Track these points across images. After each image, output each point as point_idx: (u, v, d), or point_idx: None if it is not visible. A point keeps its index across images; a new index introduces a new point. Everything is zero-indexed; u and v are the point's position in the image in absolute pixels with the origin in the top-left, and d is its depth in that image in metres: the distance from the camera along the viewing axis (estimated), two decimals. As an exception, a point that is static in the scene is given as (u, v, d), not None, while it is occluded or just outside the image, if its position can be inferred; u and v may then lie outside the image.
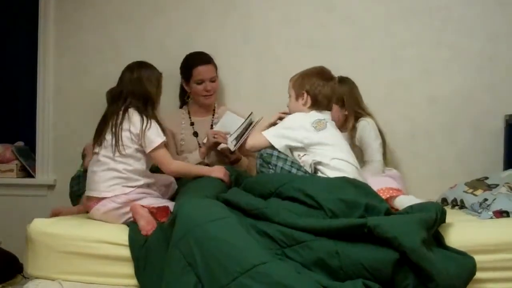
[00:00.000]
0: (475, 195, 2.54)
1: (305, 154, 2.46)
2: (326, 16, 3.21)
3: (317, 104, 2.56)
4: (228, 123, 2.91)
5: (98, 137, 2.47)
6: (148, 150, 2.44)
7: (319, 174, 2.43)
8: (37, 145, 3.43)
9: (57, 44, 3.41)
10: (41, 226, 2.32)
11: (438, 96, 3.13)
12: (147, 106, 2.49)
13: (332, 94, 2.59)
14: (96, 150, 2.47)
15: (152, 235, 2.23)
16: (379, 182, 2.61)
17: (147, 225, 2.26)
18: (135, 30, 3.34)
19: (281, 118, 2.63)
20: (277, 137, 2.50)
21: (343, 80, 2.85)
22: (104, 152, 2.44)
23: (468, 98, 3.10)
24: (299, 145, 2.48)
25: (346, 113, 2.89)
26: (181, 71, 3.09)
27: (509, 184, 2.53)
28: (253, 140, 2.60)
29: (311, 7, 3.22)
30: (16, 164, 3.46)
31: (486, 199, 2.43)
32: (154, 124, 2.46)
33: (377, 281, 1.93)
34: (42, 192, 3.43)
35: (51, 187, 3.43)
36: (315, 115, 2.53)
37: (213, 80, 3.04)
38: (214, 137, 2.83)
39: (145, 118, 2.44)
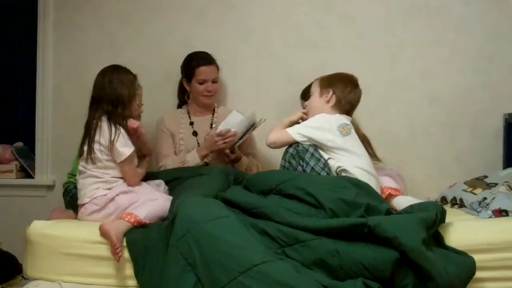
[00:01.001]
0: (475, 194, 2.54)
1: (329, 158, 2.43)
2: (325, 15, 3.20)
3: (340, 107, 2.53)
4: (232, 123, 2.90)
5: (80, 148, 2.50)
6: (118, 161, 2.44)
7: None
8: (36, 146, 3.42)
9: (56, 44, 3.39)
10: (40, 227, 2.32)
11: (438, 95, 3.12)
12: (118, 108, 2.47)
13: (356, 102, 2.57)
14: (79, 161, 2.51)
15: (151, 235, 2.22)
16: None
17: (115, 239, 2.19)
18: (134, 29, 3.32)
19: (302, 119, 2.60)
20: (302, 135, 2.46)
21: None
22: (83, 163, 2.47)
23: (467, 97, 3.10)
24: (322, 146, 2.44)
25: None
26: (182, 70, 3.08)
27: (508, 183, 2.53)
28: (276, 136, 2.52)
29: (311, 7, 3.21)
30: (16, 165, 3.45)
31: (485, 198, 2.43)
32: (121, 134, 2.44)
33: (377, 281, 1.93)
34: (41, 192, 3.42)
35: (50, 187, 3.41)
36: (340, 118, 2.50)
37: (215, 81, 3.04)
38: (224, 142, 2.78)
39: (113, 128, 2.43)
